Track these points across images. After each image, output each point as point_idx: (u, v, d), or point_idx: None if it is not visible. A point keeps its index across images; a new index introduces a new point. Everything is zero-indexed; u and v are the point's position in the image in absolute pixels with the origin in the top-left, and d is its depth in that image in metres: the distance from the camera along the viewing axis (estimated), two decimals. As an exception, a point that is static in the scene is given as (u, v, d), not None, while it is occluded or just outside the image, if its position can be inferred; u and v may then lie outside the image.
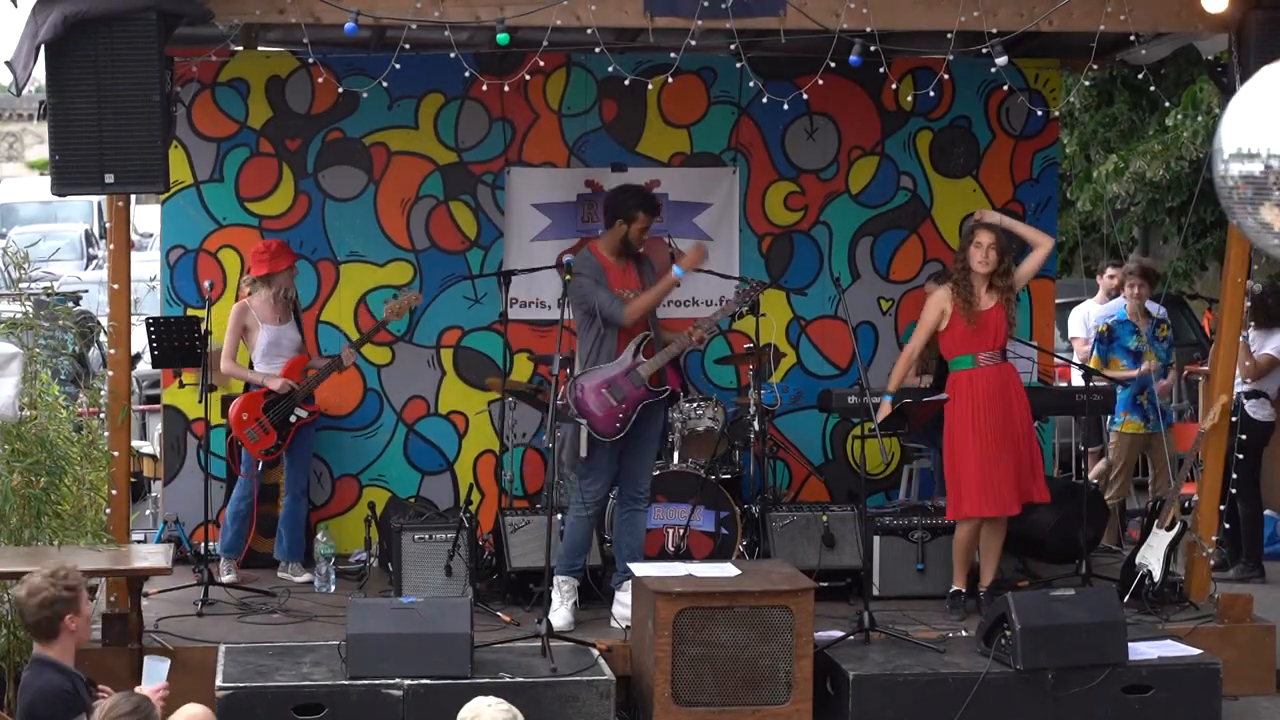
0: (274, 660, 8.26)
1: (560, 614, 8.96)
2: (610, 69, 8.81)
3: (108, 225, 9.58)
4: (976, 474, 9.14)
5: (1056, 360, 11.92)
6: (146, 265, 17.60)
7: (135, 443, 10.41)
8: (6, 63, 8.33)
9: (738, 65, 9.06)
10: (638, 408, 9.00)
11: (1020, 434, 9.22)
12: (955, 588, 9.41)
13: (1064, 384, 12.30)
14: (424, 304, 10.79)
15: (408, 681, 7.94)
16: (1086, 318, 12.81)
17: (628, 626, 8.84)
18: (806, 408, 10.86)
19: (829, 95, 9.71)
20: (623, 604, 9.01)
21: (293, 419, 9.98)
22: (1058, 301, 11.87)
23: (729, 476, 10.06)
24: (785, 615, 8.21)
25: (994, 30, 8.66)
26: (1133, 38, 9.19)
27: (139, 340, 10.97)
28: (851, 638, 8.70)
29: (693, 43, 8.58)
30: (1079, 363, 11.51)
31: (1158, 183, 15.64)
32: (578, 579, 9.17)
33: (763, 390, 10.03)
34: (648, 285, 9.15)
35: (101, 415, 9.65)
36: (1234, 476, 9.86)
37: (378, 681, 7.96)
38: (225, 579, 9.80)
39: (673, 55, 8.74)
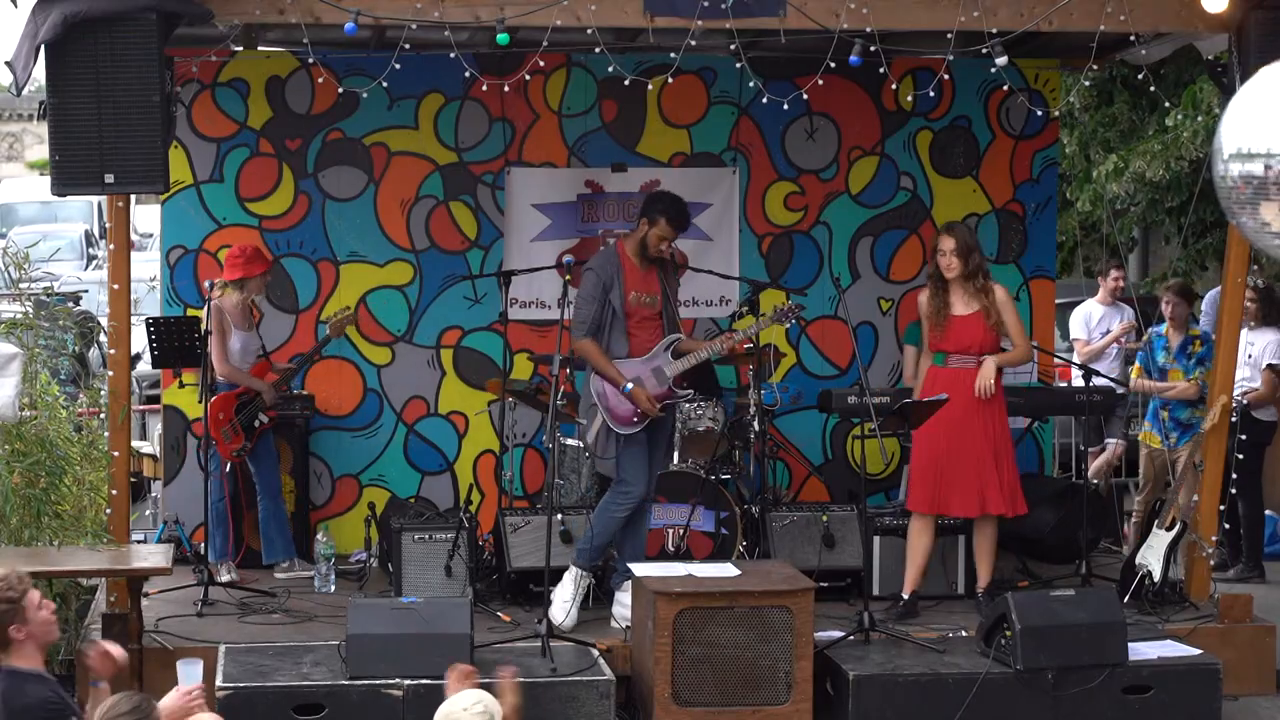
0: (274, 660, 8.27)
1: (571, 613, 8.98)
2: (610, 69, 8.81)
3: (108, 225, 9.59)
4: (918, 470, 9.18)
5: (1056, 360, 11.92)
6: (146, 265, 17.60)
7: (135, 443, 10.41)
8: (6, 63, 8.34)
9: (738, 65, 9.06)
10: (661, 406, 9.01)
11: (980, 441, 9.07)
12: (900, 591, 9.39)
13: (1064, 384, 12.31)
14: (425, 304, 10.80)
15: (408, 681, 7.94)
16: (1088, 318, 12.82)
17: (628, 627, 8.84)
18: (806, 408, 10.86)
19: (829, 95, 9.71)
20: (623, 604, 9.01)
21: (256, 423, 10.03)
22: (1058, 301, 11.87)
23: (728, 476, 10.07)
24: (785, 615, 8.21)
25: (994, 30, 8.66)
26: (1133, 38, 9.19)
27: (139, 340, 10.97)
28: (851, 638, 8.70)
29: (692, 43, 8.58)
30: (1079, 363, 11.52)
31: (1158, 183, 15.63)
32: (592, 576, 9.19)
33: (763, 390, 10.03)
34: (667, 294, 9.12)
35: (101, 415, 9.66)
36: (1234, 476, 9.85)
37: (378, 681, 7.96)
38: (224, 579, 9.80)
39: (673, 55, 8.74)
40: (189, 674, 6.66)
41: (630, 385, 8.90)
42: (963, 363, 9.17)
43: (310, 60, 9.06)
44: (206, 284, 10.08)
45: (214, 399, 9.94)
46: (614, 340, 9.03)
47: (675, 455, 9.97)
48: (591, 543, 9.11)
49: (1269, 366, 11.18)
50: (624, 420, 8.99)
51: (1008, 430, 9.31)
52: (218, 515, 10.01)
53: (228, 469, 10.04)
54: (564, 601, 8.95)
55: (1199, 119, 14.53)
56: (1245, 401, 10.84)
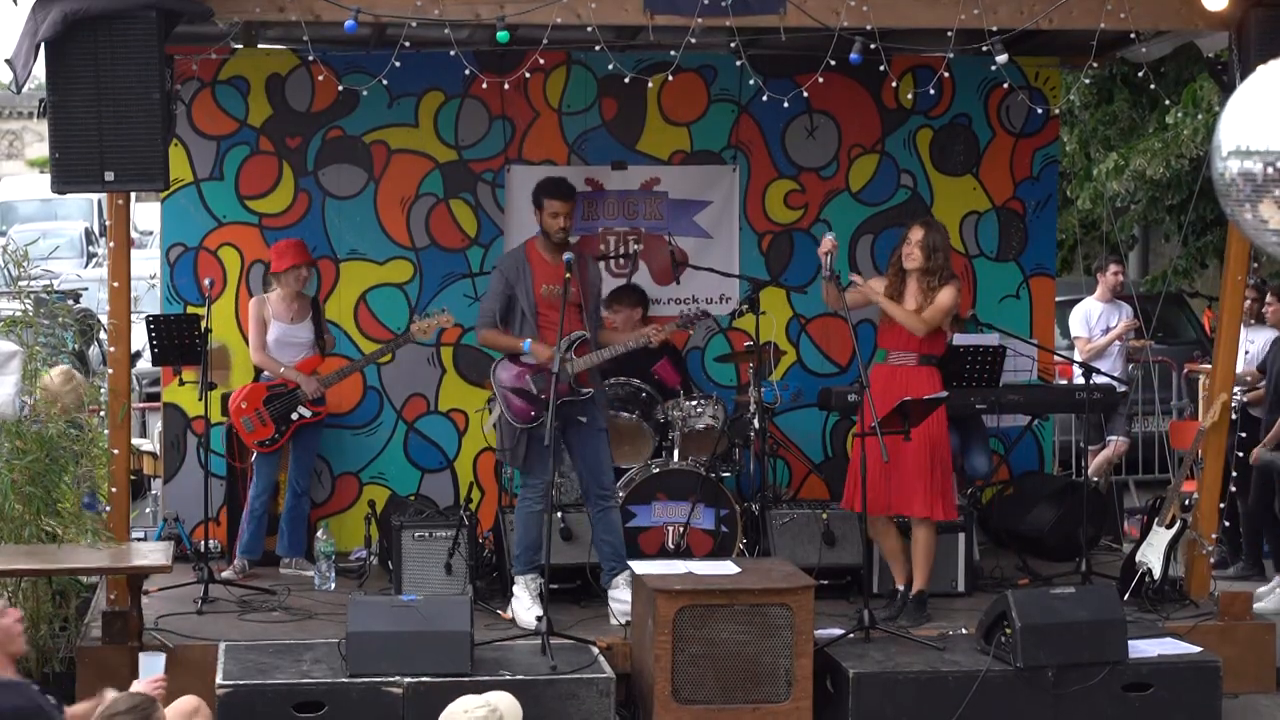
0: (274, 658, 8.26)
1: (532, 610, 8.96)
2: (610, 67, 8.81)
3: (108, 223, 9.59)
4: (852, 467, 9.14)
5: (1057, 358, 11.92)
6: (146, 263, 17.59)
7: (135, 440, 10.42)
8: (6, 61, 8.34)
9: (738, 63, 9.05)
10: (557, 403, 8.88)
11: (917, 441, 8.91)
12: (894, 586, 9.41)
13: (1064, 382, 12.31)
14: (425, 301, 10.79)
15: (408, 679, 7.94)
16: (1088, 316, 12.83)
17: (628, 622, 8.84)
18: (807, 406, 10.85)
19: (829, 93, 9.72)
20: (619, 600, 9.02)
21: (294, 416, 10.01)
22: (1058, 299, 11.88)
23: (728, 474, 10.07)
24: (785, 613, 8.21)
25: (994, 28, 8.66)
26: (1133, 35, 9.19)
27: (139, 338, 10.97)
28: (851, 635, 8.70)
29: (693, 40, 8.58)
30: (1080, 360, 11.52)
31: (1158, 180, 15.66)
32: (540, 574, 9.11)
33: (763, 388, 10.03)
34: (579, 288, 9.08)
35: (101, 413, 9.65)
36: (1234, 474, 9.85)
37: (378, 679, 7.95)
38: (225, 574, 9.82)
39: (672, 53, 8.74)
40: (151, 666, 6.69)
41: (529, 342, 9.07)
42: (902, 360, 9.13)
43: (310, 58, 9.05)
44: (206, 281, 10.10)
45: (239, 389, 10.01)
46: (525, 334, 9.13)
47: (676, 453, 10.00)
48: (519, 544, 9.12)
49: None
50: (520, 414, 9.08)
51: (946, 433, 9.21)
52: (252, 511, 10.05)
53: (253, 458, 10.09)
54: (525, 609, 8.99)
55: (1199, 117, 14.54)
56: (1244, 400, 10.84)
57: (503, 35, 8.46)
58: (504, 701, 6.24)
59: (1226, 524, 10.72)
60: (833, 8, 8.58)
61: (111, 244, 9.08)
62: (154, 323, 10.12)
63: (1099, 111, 16.81)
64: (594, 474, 9.28)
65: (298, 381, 10.02)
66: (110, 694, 6.39)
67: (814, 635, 8.39)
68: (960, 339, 10.45)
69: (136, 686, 6.63)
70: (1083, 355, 12.24)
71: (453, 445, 10.98)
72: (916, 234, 9.14)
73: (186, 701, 6.88)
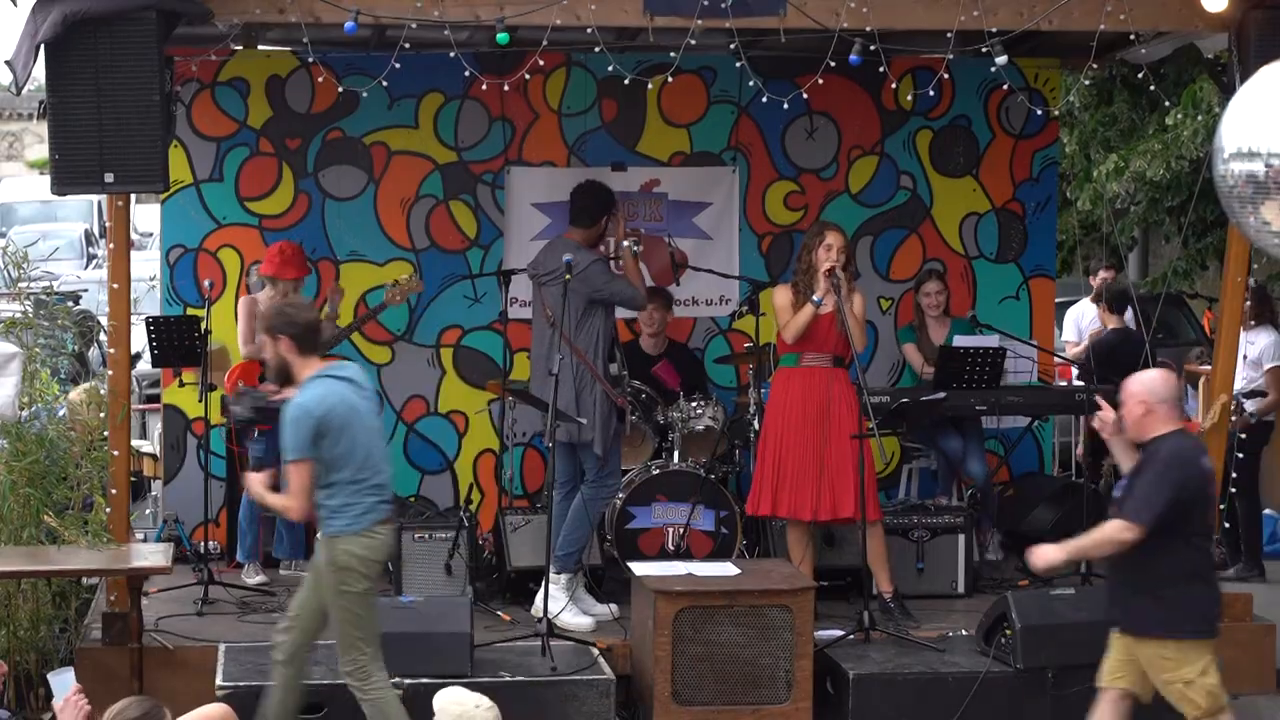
0: (274, 659, 8.26)
1: (572, 611, 9.00)
2: (610, 68, 8.81)
3: (107, 224, 9.60)
4: (769, 473, 9.13)
5: (1057, 360, 11.92)
6: (146, 264, 17.58)
7: (135, 442, 10.42)
8: (6, 62, 8.34)
9: (737, 65, 9.05)
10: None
11: (835, 444, 8.97)
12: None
13: (1064, 383, 12.31)
14: (424, 303, 10.80)
15: (408, 680, 7.94)
16: (1079, 319, 12.81)
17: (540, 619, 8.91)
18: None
19: (829, 95, 9.71)
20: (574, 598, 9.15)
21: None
22: (1057, 301, 11.87)
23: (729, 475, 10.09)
24: (785, 614, 8.21)
25: (994, 29, 8.66)
26: (1133, 37, 9.19)
27: (139, 339, 10.97)
28: (851, 637, 8.70)
29: (692, 42, 8.58)
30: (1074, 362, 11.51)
31: (1158, 182, 15.61)
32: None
33: (763, 389, 10.03)
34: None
35: (101, 414, 9.65)
36: (1234, 475, 9.85)
37: (378, 680, 7.95)
38: (255, 580, 9.85)
39: (672, 55, 8.73)
40: (61, 684, 6.40)
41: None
42: (817, 362, 9.11)
43: (310, 59, 9.06)
44: (206, 283, 10.10)
45: (234, 366, 10.06)
46: (603, 339, 9.19)
47: (676, 455, 10.01)
48: (578, 545, 9.13)
49: (1271, 370, 11.18)
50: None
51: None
52: (251, 515, 10.03)
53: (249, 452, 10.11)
54: (573, 615, 8.99)
55: (1199, 118, 14.52)
56: (1255, 413, 10.84)
57: (503, 37, 8.46)
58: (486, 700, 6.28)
59: (1226, 524, 10.71)
60: (832, 9, 8.58)
61: (111, 245, 9.08)
62: (154, 324, 10.11)
63: (1099, 113, 16.77)
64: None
65: None
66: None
67: (814, 637, 8.39)
68: (960, 340, 10.45)
69: (58, 703, 6.24)
70: (1073, 358, 12.22)
71: (452, 447, 10.98)
72: (838, 239, 9.11)
73: (214, 710, 6.77)
